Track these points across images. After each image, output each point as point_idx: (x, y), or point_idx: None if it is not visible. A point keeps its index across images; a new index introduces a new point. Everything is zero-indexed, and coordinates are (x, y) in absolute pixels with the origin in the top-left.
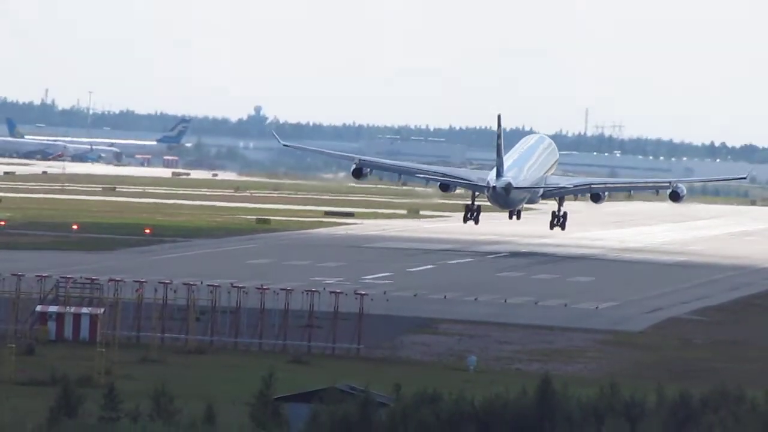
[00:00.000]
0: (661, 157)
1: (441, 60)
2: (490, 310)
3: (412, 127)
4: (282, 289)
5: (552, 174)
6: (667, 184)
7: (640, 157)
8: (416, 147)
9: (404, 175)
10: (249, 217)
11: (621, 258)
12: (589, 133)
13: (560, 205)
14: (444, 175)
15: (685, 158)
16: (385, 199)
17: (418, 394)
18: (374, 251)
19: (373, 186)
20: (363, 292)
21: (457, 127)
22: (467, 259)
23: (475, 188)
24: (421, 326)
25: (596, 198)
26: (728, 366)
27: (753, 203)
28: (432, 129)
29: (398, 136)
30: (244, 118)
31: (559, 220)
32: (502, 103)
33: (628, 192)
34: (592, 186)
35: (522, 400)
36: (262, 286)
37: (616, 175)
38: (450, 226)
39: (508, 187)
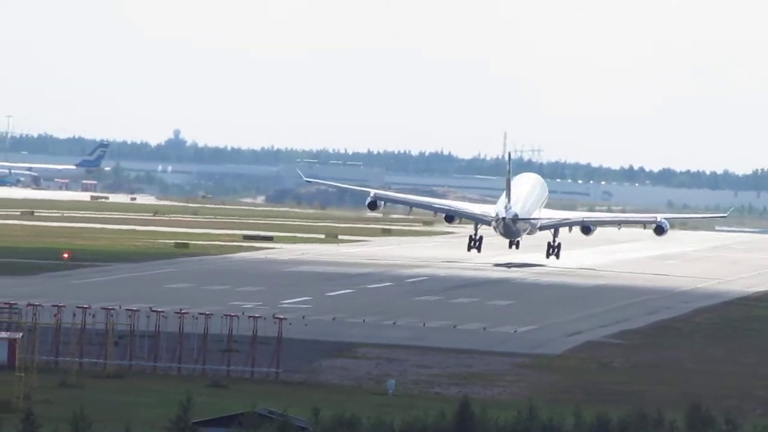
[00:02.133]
0: (580, 181)
1: (358, 83)
2: (408, 333)
3: (330, 150)
4: (201, 314)
5: (544, 207)
6: (653, 220)
7: (558, 180)
8: (334, 171)
9: (414, 207)
10: (167, 241)
11: (540, 282)
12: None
13: (555, 236)
14: (450, 208)
15: (603, 182)
16: (305, 223)
17: (337, 417)
18: (293, 275)
19: (293, 210)
20: (282, 317)
21: (375, 151)
22: (386, 284)
23: (478, 220)
24: (340, 350)
25: (586, 230)
26: (647, 389)
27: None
28: (350, 153)
29: (316, 160)
30: (163, 142)
31: (554, 250)
32: (421, 126)
33: (618, 225)
34: (584, 220)
35: (441, 423)
36: (181, 310)
37: None
38: (368, 251)
39: (515, 218)
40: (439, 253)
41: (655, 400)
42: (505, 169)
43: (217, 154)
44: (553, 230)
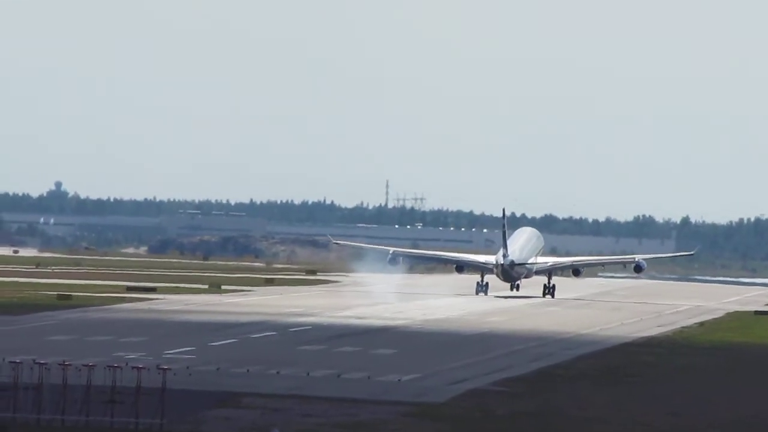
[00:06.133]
0: (463, 228)
1: (239, 133)
2: (292, 383)
3: (213, 201)
4: (84, 365)
5: (541, 255)
6: (632, 260)
7: (441, 228)
8: (217, 221)
9: (427, 261)
10: (50, 293)
11: (423, 329)
12: (390, 206)
13: (549, 279)
14: (458, 258)
15: (485, 230)
16: (188, 273)
17: None
18: (177, 326)
19: (176, 261)
20: (165, 367)
21: (258, 202)
22: (270, 333)
23: (482, 268)
24: (225, 400)
25: (576, 273)
26: None
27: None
28: (233, 203)
29: (198, 211)
30: (45, 193)
31: (549, 290)
32: (302, 176)
33: (602, 266)
34: (574, 263)
35: None
36: (64, 362)
37: (418, 246)
38: (252, 300)
39: (512, 264)
40: (327, 302)
41: None
42: (388, 216)
43: (99, 206)
44: (547, 274)
